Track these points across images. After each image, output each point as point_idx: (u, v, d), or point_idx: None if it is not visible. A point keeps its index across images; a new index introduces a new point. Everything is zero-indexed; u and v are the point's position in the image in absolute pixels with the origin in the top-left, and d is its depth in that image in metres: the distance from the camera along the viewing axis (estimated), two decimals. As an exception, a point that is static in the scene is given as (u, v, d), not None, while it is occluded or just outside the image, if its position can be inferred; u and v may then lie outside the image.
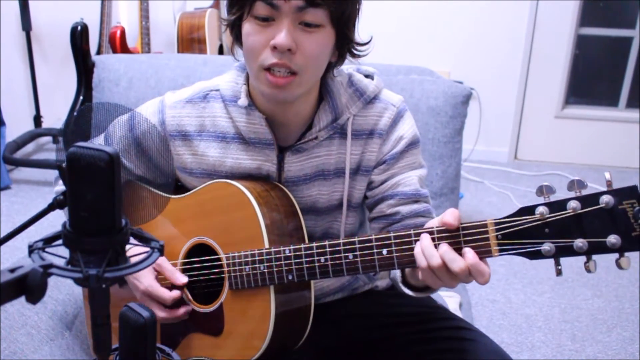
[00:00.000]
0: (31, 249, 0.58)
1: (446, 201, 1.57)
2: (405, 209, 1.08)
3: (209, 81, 1.12)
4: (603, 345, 2.14)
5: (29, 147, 3.67)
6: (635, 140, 3.82)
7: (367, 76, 1.11)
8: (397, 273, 1.05)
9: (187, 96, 1.10)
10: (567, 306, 2.38)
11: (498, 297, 2.42)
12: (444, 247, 0.85)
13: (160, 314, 1.04)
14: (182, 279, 1.05)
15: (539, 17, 3.71)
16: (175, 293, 1.04)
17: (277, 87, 0.96)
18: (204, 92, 1.10)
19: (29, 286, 0.51)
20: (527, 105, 3.90)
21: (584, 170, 3.84)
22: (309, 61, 0.95)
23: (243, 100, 1.05)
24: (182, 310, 1.06)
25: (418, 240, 0.89)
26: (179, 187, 1.19)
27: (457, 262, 0.84)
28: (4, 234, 0.77)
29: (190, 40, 3.50)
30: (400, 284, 1.03)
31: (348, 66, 1.12)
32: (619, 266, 0.77)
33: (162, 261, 1.06)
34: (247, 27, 0.96)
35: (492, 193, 3.46)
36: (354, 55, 1.03)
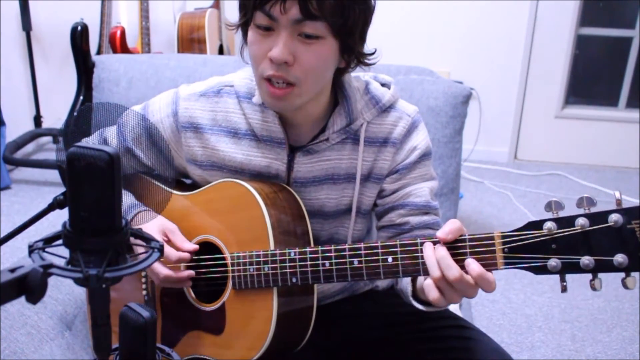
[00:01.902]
0: (31, 249, 0.58)
1: (446, 201, 1.57)
2: (415, 219, 1.09)
3: (224, 77, 1.12)
4: (603, 345, 2.14)
5: (29, 147, 3.67)
6: (635, 140, 3.82)
7: (383, 85, 1.11)
8: (408, 287, 1.03)
9: (202, 90, 1.10)
10: (567, 306, 2.38)
11: (498, 297, 2.42)
12: (442, 252, 0.85)
13: (164, 270, 1.03)
14: (191, 246, 1.04)
15: (539, 17, 3.71)
16: (184, 254, 1.03)
17: (276, 98, 0.96)
18: (218, 87, 1.10)
19: (29, 286, 0.51)
20: (527, 105, 3.90)
21: (584, 170, 3.84)
22: (308, 73, 0.94)
23: (257, 98, 1.05)
24: (185, 273, 1.04)
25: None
26: (188, 184, 1.19)
27: (451, 270, 0.83)
28: (4, 234, 0.77)
29: (190, 41, 3.50)
30: (411, 299, 1.02)
31: (364, 73, 1.12)
32: (625, 286, 0.77)
33: (175, 229, 1.06)
34: (250, 35, 0.96)
35: (492, 193, 3.46)
36: (364, 64, 1.03)
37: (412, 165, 1.09)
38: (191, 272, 1.05)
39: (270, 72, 0.94)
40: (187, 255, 1.03)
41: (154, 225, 1.06)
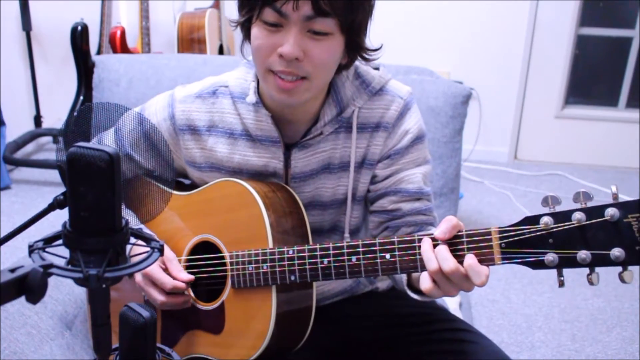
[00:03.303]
0: (31, 249, 0.58)
1: (446, 201, 1.57)
2: (407, 206, 1.08)
3: (219, 76, 1.12)
4: (603, 345, 2.14)
5: (29, 147, 3.67)
6: (635, 140, 3.82)
7: (375, 69, 1.11)
8: (403, 276, 1.03)
9: (197, 91, 1.10)
10: (567, 306, 2.38)
11: (498, 297, 2.42)
12: (440, 247, 0.85)
13: (160, 297, 1.03)
14: (187, 276, 1.04)
15: (539, 17, 3.71)
16: (179, 282, 1.03)
17: (286, 92, 0.96)
18: (213, 88, 1.10)
19: (29, 286, 0.51)
20: (527, 105, 3.90)
21: (584, 170, 3.84)
22: (317, 68, 0.95)
23: (251, 98, 1.05)
24: (182, 298, 1.05)
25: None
26: (187, 184, 1.19)
27: (447, 262, 0.83)
28: (4, 234, 0.77)
29: (190, 40, 3.50)
30: (406, 287, 1.02)
31: None
32: (622, 280, 0.76)
33: (173, 258, 1.06)
34: (256, 30, 0.96)
35: (492, 193, 3.46)
36: (365, 60, 1.03)
37: (405, 150, 1.08)
38: (188, 297, 1.06)
39: (279, 68, 0.94)
40: (182, 284, 1.03)
41: None
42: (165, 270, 1.05)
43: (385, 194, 1.09)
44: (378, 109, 1.07)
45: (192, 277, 1.04)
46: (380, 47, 1.02)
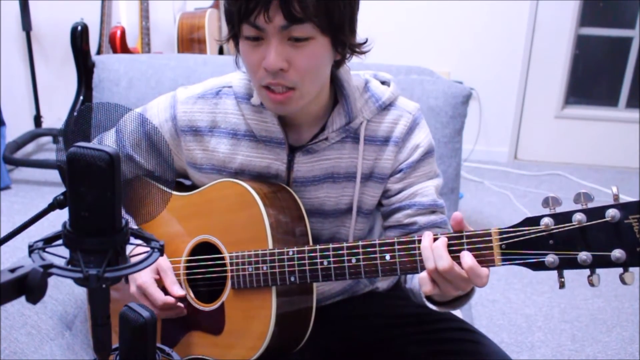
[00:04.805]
0: (31, 249, 0.58)
1: (446, 201, 1.57)
2: (422, 219, 1.08)
3: (222, 77, 1.12)
4: (603, 345, 2.14)
5: (29, 147, 3.67)
6: (635, 140, 3.82)
7: (383, 83, 1.11)
8: (420, 289, 1.03)
9: (200, 92, 1.10)
10: (567, 306, 2.38)
11: (498, 297, 2.42)
12: (438, 243, 0.86)
13: (152, 309, 1.03)
14: (179, 291, 1.04)
15: (539, 17, 3.71)
16: (169, 298, 1.03)
17: (278, 103, 0.96)
18: (216, 89, 1.10)
19: (29, 286, 0.51)
20: (527, 105, 3.90)
21: (584, 170, 3.84)
22: (305, 75, 0.94)
23: (256, 99, 1.05)
24: (174, 311, 1.05)
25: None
26: (187, 185, 1.19)
27: (442, 260, 0.84)
28: (4, 234, 0.77)
29: (190, 40, 3.51)
30: (424, 299, 1.01)
31: (364, 72, 1.12)
32: (623, 281, 0.76)
33: (168, 269, 1.06)
34: (242, 46, 0.96)
35: (492, 193, 3.46)
36: (357, 53, 1.02)
37: (416, 163, 1.08)
38: (181, 309, 1.05)
39: (267, 81, 0.94)
40: (172, 300, 1.03)
41: None
42: (160, 281, 1.05)
43: (400, 208, 1.09)
44: (386, 123, 1.08)
45: (183, 292, 1.04)
46: (367, 41, 1.01)
